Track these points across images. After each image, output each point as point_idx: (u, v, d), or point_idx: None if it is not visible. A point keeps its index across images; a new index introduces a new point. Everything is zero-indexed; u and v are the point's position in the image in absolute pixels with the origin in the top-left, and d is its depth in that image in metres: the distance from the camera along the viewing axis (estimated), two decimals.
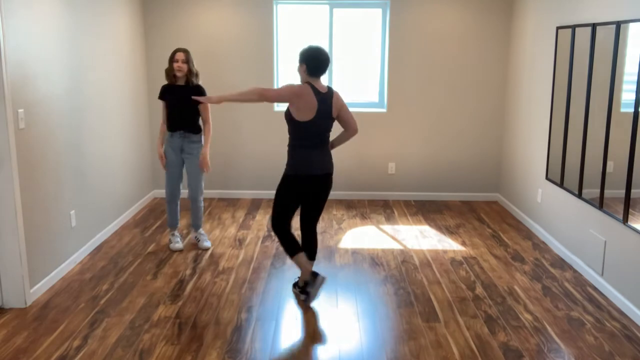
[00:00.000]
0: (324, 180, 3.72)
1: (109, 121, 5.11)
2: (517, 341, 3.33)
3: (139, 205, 5.88)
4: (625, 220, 3.74)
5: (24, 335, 3.34)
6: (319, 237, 4.83)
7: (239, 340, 3.32)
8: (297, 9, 6.25)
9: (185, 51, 4.50)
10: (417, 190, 6.41)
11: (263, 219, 5.63)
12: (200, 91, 4.51)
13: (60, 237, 4.20)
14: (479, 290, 4.03)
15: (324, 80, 3.74)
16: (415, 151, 6.32)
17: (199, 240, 4.84)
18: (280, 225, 3.75)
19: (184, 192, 4.83)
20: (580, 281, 4.20)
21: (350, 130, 3.79)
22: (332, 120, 3.70)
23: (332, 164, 3.76)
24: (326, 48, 5.67)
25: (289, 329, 3.50)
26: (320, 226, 4.91)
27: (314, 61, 3.58)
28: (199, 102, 4.39)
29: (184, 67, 4.46)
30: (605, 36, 4.02)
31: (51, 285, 4.02)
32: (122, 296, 3.88)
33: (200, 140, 4.64)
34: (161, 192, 6.29)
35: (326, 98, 3.62)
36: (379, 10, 6.17)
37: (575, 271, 4.39)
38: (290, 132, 3.68)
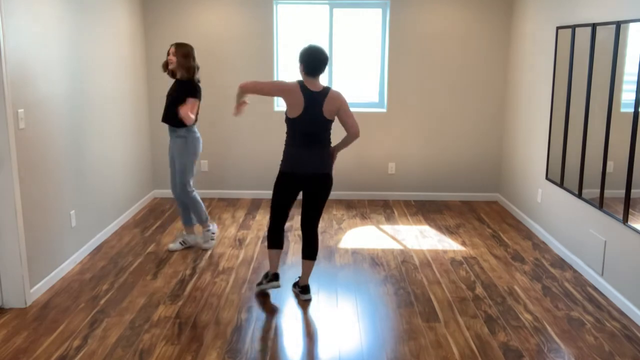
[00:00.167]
0: (316, 180, 3.70)
1: (109, 121, 5.11)
2: (517, 341, 3.33)
3: (139, 205, 5.88)
4: (625, 220, 3.74)
5: (24, 335, 3.34)
6: (319, 237, 4.81)
7: (239, 340, 3.32)
8: (297, 9, 6.24)
9: (179, 45, 4.46)
10: (417, 190, 6.41)
11: (263, 219, 5.62)
12: (186, 87, 4.41)
13: (60, 237, 4.20)
14: (479, 290, 4.03)
15: (323, 80, 3.74)
16: (415, 151, 6.32)
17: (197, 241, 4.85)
18: (272, 218, 3.84)
19: None
20: (580, 281, 4.20)
21: (350, 133, 3.71)
22: (326, 120, 3.64)
23: (327, 164, 3.72)
24: (326, 48, 5.68)
25: (289, 329, 3.50)
26: (320, 226, 4.91)
27: (310, 61, 3.59)
28: (184, 99, 4.35)
29: (173, 59, 4.43)
30: (605, 36, 4.02)
31: (51, 285, 4.02)
32: (122, 296, 3.88)
33: (186, 135, 4.50)
34: (161, 192, 6.30)
35: (317, 97, 3.60)
36: (379, 10, 6.17)
37: (575, 271, 4.39)
38: (286, 130, 3.73)
